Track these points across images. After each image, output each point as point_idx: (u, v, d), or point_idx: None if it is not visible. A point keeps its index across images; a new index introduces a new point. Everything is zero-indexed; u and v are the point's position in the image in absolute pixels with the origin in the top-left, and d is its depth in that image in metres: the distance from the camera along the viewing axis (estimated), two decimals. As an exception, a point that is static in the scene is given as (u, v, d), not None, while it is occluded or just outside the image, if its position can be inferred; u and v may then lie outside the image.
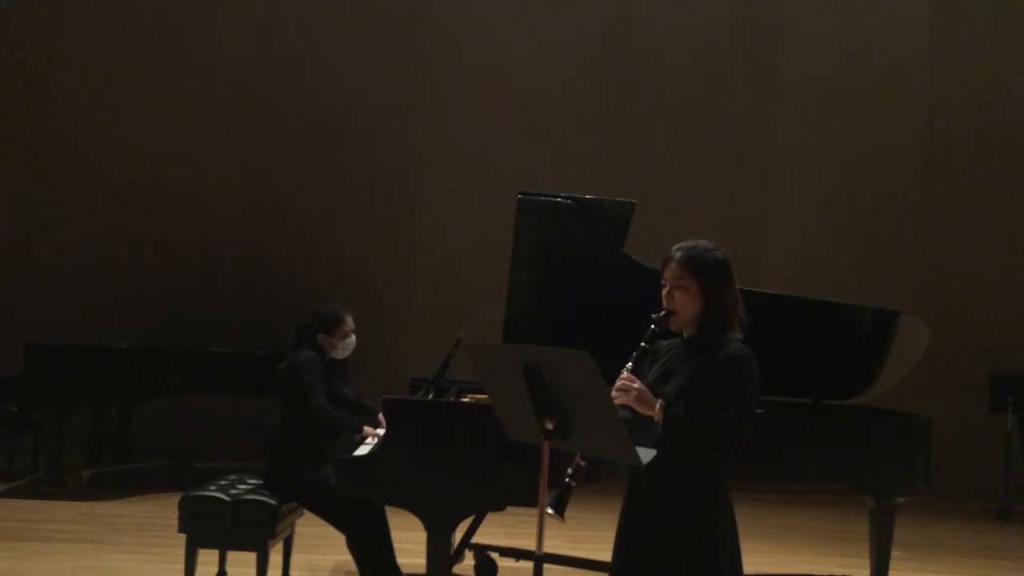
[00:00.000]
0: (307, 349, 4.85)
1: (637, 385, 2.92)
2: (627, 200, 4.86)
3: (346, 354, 4.98)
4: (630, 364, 2.99)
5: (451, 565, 4.76)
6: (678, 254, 3.03)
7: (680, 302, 3.00)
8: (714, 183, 9.51)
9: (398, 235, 9.57)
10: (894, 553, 4.71)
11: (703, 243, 3.06)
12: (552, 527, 2.93)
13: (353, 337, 4.96)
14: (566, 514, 2.94)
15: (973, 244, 9.52)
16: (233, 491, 4.64)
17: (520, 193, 4.69)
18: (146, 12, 9.53)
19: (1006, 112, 9.57)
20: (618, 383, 2.90)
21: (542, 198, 4.72)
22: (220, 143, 9.42)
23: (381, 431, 4.63)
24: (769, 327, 3.44)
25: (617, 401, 2.87)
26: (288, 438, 4.78)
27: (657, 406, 2.89)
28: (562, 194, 4.78)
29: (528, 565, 3.92)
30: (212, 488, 4.66)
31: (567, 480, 2.95)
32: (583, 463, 2.97)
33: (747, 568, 3.07)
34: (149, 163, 9.39)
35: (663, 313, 3.03)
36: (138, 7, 9.55)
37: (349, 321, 4.94)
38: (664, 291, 3.03)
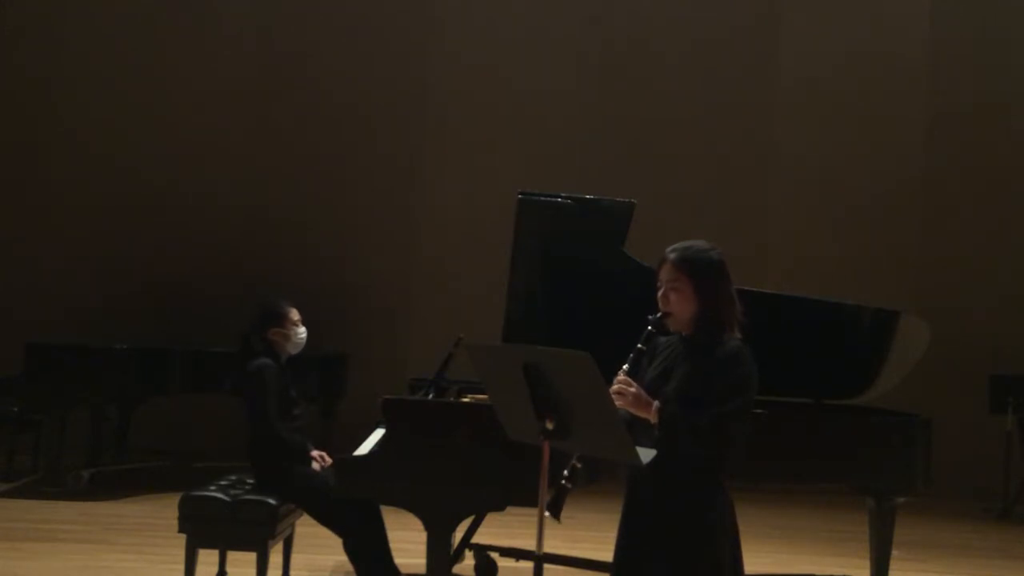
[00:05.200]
0: (262, 355, 4.79)
1: (633, 388, 2.92)
2: (627, 200, 4.85)
3: (299, 348, 4.94)
4: (626, 366, 2.99)
5: (451, 565, 4.77)
6: (672, 256, 3.03)
7: (676, 304, 3.00)
8: (714, 183, 9.50)
9: (398, 235, 9.57)
10: (894, 553, 4.71)
11: (697, 244, 3.06)
12: (552, 527, 2.93)
13: (303, 328, 4.92)
14: (562, 515, 2.94)
15: (973, 244, 9.51)
16: (233, 491, 4.64)
17: (520, 193, 4.69)
18: (146, 11, 9.53)
19: (1006, 112, 9.56)
20: (615, 386, 2.89)
21: (542, 198, 4.71)
22: (220, 143, 9.42)
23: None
24: (770, 327, 3.45)
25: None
26: (265, 444, 4.76)
27: (653, 408, 2.89)
28: (562, 194, 4.77)
29: (528, 565, 3.92)
30: (212, 488, 4.65)
31: (562, 482, 2.96)
32: (579, 464, 2.97)
33: (747, 568, 3.07)
34: (149, 163, 9.40)
35: (659, 315, 3.03)
36: (138, 6, 9.55)
37: (295, 312, 4.90)
38: (660, 293, 3.03)
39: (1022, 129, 9.53)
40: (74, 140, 9.40)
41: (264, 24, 9.60)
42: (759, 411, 3.96)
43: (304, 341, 4.94)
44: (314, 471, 4.78)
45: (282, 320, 4.85)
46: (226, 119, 9.43)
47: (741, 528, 3.02)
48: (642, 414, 2.91)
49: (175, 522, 4.58)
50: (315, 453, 4.89)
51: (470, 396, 4.84)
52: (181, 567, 4.57)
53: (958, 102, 9.58)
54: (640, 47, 9.65)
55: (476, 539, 5.36)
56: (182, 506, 4.57)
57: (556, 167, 9.00)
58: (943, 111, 9.59)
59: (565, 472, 2.97)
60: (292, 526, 4.98)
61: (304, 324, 4.93)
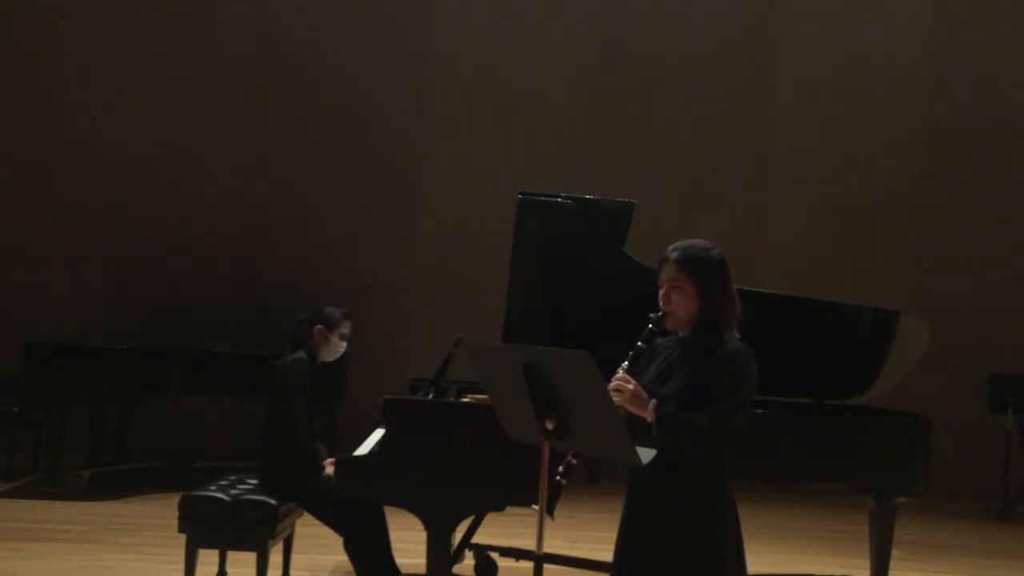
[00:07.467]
0: (300, 351, 4.83)
1: (631, 385, 2.92)
2: (627, 200, 4.85)
3: (333, 357, 4.98)
4: (625, 364, 2.99)
5: (451, 565, 4.77)
6: (674, 255, 3.03)
7: (677, 303, 3.00)
8: (714, 183, 9.50)
9: (398, 235, 9.57)
10: (894, 553, 4.71)
11: (698, 243, 3.06)
12: (550, 526, 2.93)
13: (345, 344, 4.98)
14: (562, 515, 2.93)
15: (973, 244, 9.51)
16: (233, 491, 4.64)
17: (520, 193, 4.68)
18: (147, 11, 9.54)
19: (1006, 112, 9.56)
20: (613, 383, 2.89)
21: (542, 198, 4.71)
22: (220, 142, 9.42)
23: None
24: (770, 327, 3.45)
25: (612, 401, 2.87)
26: (278, 440, 4.76)
27: (650, 406, 2.89)
28: (562, 194, 4.77)
29: (528, 565, 3.92)
30: (212, 488, 4.65)
31: (557, 479, 2.97)
32: (574, 462, 2.97)
33: (747, 568, 3.06)
34: (149, 163, 9.40)
35: (660, 314, 3.03)
36: (138, 6, 9.55)
37: (348, 326, 4.96)
38: (661, 292, 3.03)
39: (1022, 129, 9.53)
40: (74, 140, 9.39)
41: (264, 24, 9.59)
42: (759, 411, 3.95)
43: (338, 355, 5.00)
44: (312, 472, 4.76)
45: (332, 325, 4.90)
46: (226, 119, 9.43)
47: (741, 528, 3.02)
48: (639, 412, 2.91)
49: (175, 522, 4.58)
50: (328, 461, 4.86)
51: (470, 396, 4.83)
52: (181, 567, 4.57)
53: (958, 102, 9.58)
54: (640, 47, 9.65)
55: (476, 539, 5.36)
56: (182, 506, 4.56)
57: (556, 167, 9.00)
58: (943, 111, 9.59)
59: (560, 468, 2.97)
60: (292, 526, 4.98)
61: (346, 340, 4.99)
